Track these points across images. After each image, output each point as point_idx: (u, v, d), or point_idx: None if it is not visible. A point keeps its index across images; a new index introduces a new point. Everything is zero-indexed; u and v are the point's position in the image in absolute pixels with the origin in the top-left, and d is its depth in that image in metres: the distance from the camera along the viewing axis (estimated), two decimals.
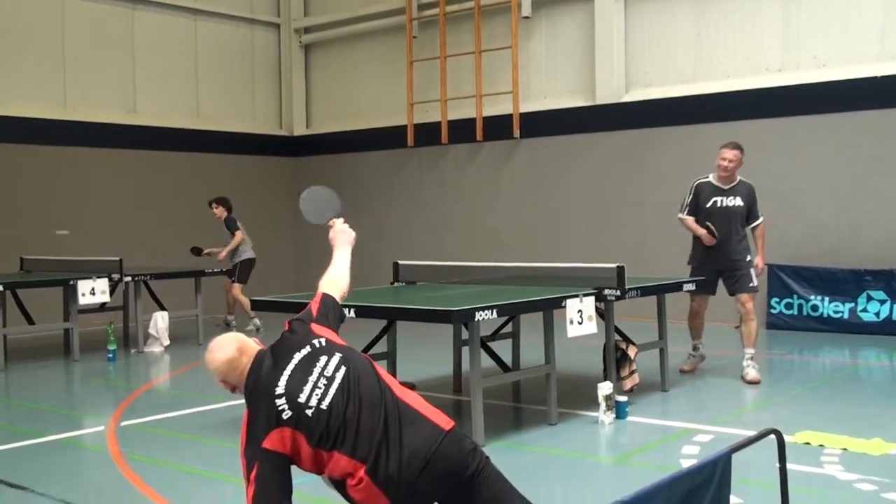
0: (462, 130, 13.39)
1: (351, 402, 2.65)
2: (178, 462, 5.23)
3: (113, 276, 9.59)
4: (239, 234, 11.31)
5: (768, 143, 10.76)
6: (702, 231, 7.25)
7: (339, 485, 2.62)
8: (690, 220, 7.36)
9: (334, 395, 2.67)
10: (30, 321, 9.91)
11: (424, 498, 2.57)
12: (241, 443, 2.68)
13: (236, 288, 11.37)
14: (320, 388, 2.68)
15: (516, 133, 12.90)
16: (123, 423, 6.26)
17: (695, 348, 7.81)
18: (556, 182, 12.63)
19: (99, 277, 9.35)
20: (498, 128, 13.05)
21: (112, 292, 9.65)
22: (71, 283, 9.28)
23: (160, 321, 9.97)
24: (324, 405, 2.65)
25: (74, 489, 4.75)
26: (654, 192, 11.71)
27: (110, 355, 9.20)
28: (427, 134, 13.78)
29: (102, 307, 10.25)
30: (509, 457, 3.61)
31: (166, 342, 9.98)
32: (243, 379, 2.76)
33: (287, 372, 2.70)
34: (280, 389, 2.66)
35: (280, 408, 2.64)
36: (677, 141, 11.53)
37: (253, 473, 2.60)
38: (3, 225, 11.85)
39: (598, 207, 12.21)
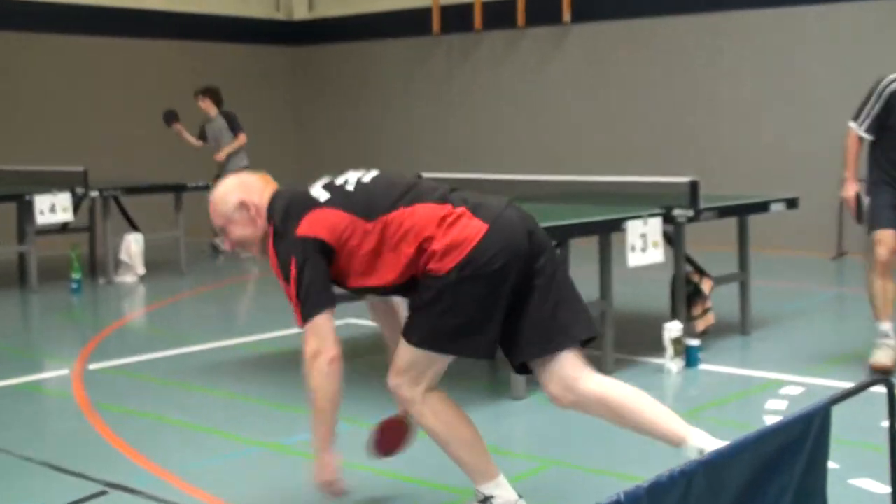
0: (499, 13, 13.22)
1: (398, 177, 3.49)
2: (155, 412, 5.34)
3: (76, 189, 9.65)
4: (243, 136, 11.30)
5: None
6: (850, 198, 5.81)
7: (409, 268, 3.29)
8: (850, 167, 5.80)
9: (375, 175, 3.47)
10: None
11: (515, 261, 3.24)
12: (271, 262, 3.31)
13: None
14: (358, 174, 3.48)
15: (566, 17, 12.70)
16: (91, 367, 6.36)
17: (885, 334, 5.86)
18: (615, 78, 12.47)
19: (60, 192, 9.41)
20: (543, 9, 12.86)
21: (76, 210, 9.73)
22: (26, 198, 9.34)
23: (133, 245, 10.06)
24: (366, 179, 3.44)
25: (36, 442, 4.83)
26: (734, 91, 11.54)
27: (74, 286, 9.32)
28: (456, 17, 13.62)
29: (64, 228, 10.34)
30: (556, 412, 3.62)
31: (141, 271, 10.08)
32: (264, 203, 3.46)
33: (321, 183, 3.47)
34: (315, 191, 3.42)
35: (316, 196, 3.38)
36: (768, 24, 11.31)
37: (293, 269, 3.24)
38: None
39: (668, 109, 12.08)
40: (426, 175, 7.30)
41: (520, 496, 3.51)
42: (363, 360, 6.34)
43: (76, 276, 9.33)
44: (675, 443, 3.19)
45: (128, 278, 9.99)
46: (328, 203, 3.35)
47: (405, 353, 3.36)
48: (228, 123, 11.36)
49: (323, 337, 3.27)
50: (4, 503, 4.00)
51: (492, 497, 3.45)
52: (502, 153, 13.23)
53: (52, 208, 9.36)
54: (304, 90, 15.47)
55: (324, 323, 3.28)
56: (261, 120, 14.53)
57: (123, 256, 10.05)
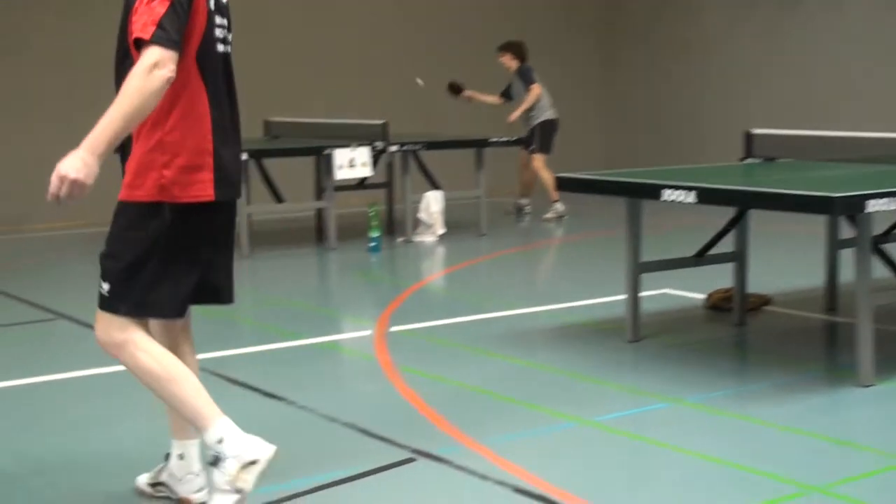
0: None
1: None
2: (460, 379, 5.51)
3: (376, 144, 10.05)
4: (537, 87, 11.45)
5: None
6: None
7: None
8: None
9: None
10: (278, 199, 10.70)
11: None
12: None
13: (538, 160, 11.56)
14: None
15: None
16: (393, 329, 6.65)
17: None
18: None
19: (360, 146, 9.84)
20: None
21: (375, 165, 10.15)
22: (325, 152, 9.82)
23: (433, 204, 10.38)
24: None
25: (340, 403, 5.11)
26: None
27: (373, 244, 9.73)
28: None
29: (362, 184, 10.84)
30: None
31: (440, 230, 10.40)
32: None
33: None
34: None
35: None
36: None
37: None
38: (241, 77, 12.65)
39: None
40: (757, 132, 7.10)
41: (158, 485, 3.74)
42: (679, 336, 6.26)
43: (374, 234, 9.71)
44: (199, 427, 3.45)
45: (427, 238, 10.33)
46: None
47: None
48: (521, 78, 11.47)
49: (166, 60, 3.27)
50: (311, 463, 4.24)
51: (223, 439, 3.41)
52: (847, 107, 12.59)
53: (352, 163, 9.80)
54: (615, 39, 15.38)
55: (171, 57, 3.29)
56: (566, 72, 14.57)
57: (423, 215, 10.39)
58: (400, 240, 10.38)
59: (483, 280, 8.75)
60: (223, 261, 3.70)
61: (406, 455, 4.28)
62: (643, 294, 6.15)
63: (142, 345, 3.47)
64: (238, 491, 3.40)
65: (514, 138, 11.23)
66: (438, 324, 6.80)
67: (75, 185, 3.17)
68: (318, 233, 10.86)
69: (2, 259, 8.85)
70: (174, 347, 3.68)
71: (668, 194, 5.43)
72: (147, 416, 4.66)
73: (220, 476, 3.40)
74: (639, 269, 6.05)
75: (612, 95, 15.44)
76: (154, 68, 3.24)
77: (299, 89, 13.10)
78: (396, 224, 10.90)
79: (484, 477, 4.02)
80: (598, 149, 15.23)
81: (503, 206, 12.25)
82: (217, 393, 5.14)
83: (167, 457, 3.82)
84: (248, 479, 3.40)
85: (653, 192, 5.60)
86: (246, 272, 9.08)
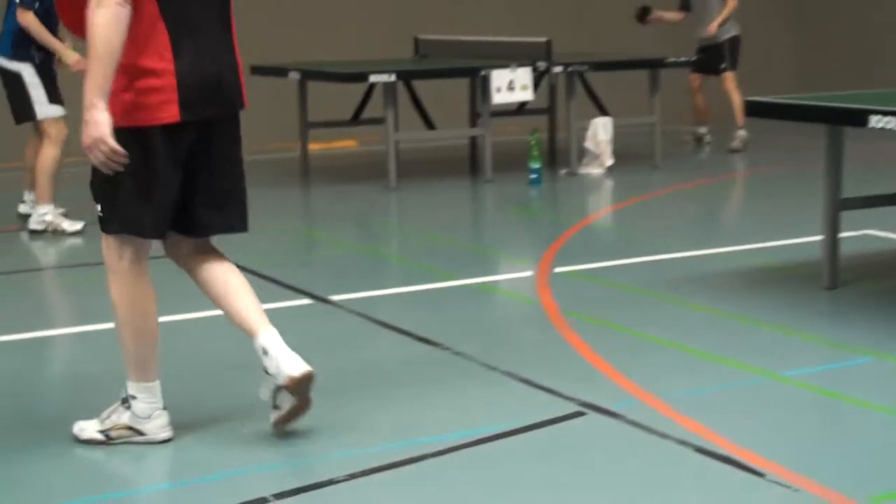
0: None
1: None
2: (630, 325, 5.50)
3: (538, 65, 9.99)
4: (734, 0, 11.21)
5: None
6: None
7: None
8: None
9: None
10: (429, 125, 10.78)
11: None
12: None
13: (729, 79, 11.32)
14: None
15: None
16: (557, 270, 6.67)
17: None
18: None
19: (519, 67, 9.79)
20: None
21: (536, 88, 10.09)
22: (482, 73, 9.83)
23: (601, 132, 10.29)
24: None
25: (500, 350, 5.16)
26: None
27: (533, 176, 9.71)
28: None
29: (521, 109, 10.81)
30: None
31: (608, 161, 10.32)
32: None
33: None
34: None
35: None
36: None
37: None
38: None
39: None
40: None
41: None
42: (882, 283, 6.12)
43: (535, 165, 9.69)
44: (129, 374, 3.99)
45: (593, 170, 10.27)
46: None
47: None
48: None
49: None
50: (470, 414, 4.32)
51: (134, 398, 3.97)
52: None
53: (510, 86, 9.77)
54: None
55: None
56: None
57: (589, 144, 10.32)
58: (563, 172, 10.34)
59: (657, 217, 8.67)
60: (219, 182, 4.05)
61: (574, 408, 4.30)
62: (843, 235, 6.02)
63: (124, 280, 3.95)
64: (108, 437, 4.01)
65: (692, 58, 11.04)
66: (607, 265, 6.78)
67: (100, 144, 3.66)
68: (472, 163, 10.92)
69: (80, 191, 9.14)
70: (201, 270, 4.12)
71: (876, 121, 5.29)
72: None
73: (113, 415, 4.02)
74: (838, 207, 5.91)
75: (805, 7, 14.99)
76: (99, 5, 3.63)
77: (453, 3, 13.09)
78: (559, 154, 10.87)
79: (663, 435, 4.01)
80: (787, 70, 14.84)
81: (679, 134, 12.07)
82: (366, 337, 5.41)
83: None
84: (121, 439, 4.01)
85: (858, 118, 5.45)
86: (393, 206, 9.22)
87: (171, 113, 3.82)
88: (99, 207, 3.93)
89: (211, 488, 3.70)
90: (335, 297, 6.03)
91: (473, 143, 11.02)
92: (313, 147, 10.87)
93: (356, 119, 10.92)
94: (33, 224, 7.94)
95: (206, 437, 4.09)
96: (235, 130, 4.08)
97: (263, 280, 6.35)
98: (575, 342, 5.22)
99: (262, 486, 3.62)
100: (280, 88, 10.98)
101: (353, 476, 3.68)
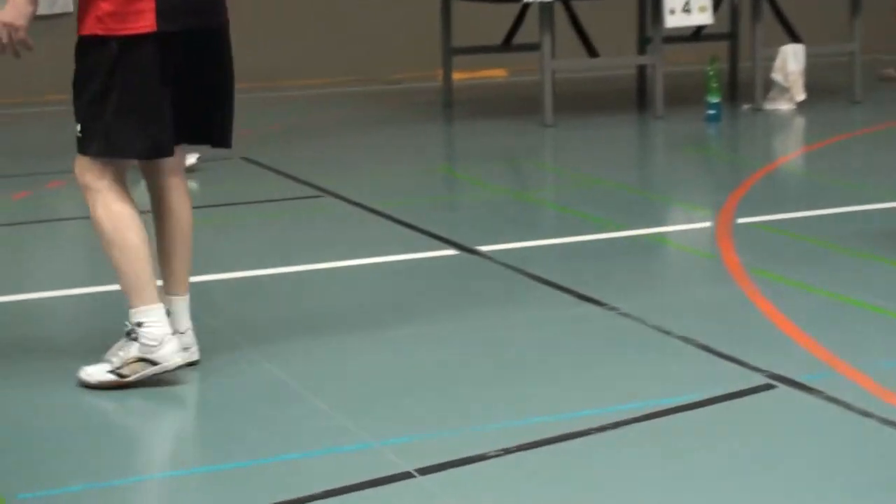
0: None
1: None
2: (829, 287, 5.38)
3: None
4: None
5: None
6: None
7: None
8: None
9: None
10: (591, 52, 10.68)
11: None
12: None
13: None
14: None
15: None
16: (740, 221, 6.58)
17: None
18: None
19: None
20: None
21: (715, 10, 9.97)
22: None
23: (791, 61, 10.10)
24: None
25: (674, 312, 5.09)
26: None
27: (711, 111, 9.60)
28: None
29: (698, 34, 10.70)
30: None
31: (800, 96, 10.14)
32: None
33: None
34: None
35: None
36: None
37: None
38: None
39: None
40: None
41: (178, 332, 4.22)
42: None
43: (713, 99, 9.59)
44: (130, 301, 4.18)
45: (781, 105, 10.11)
46: None
47: None
48: None
49: None
50: (642, 383, 4.28)
51: (141, 324, 4.13)
52: None
53: (686, 7, 9.66)
54: None
55: None
56: None
57: (777, 76, 10.14)
58: (746, 107, 10.22)
59: (857, 161, 8.54)
60: (203, 99, 4.30)
61: (762, 380, 4.23)
62: None
63: (106, 199, 4.16)
64: (120, 376, 4.16)
65: None
66: (799, 216, 6.70)
67: (9, 28, 3.93)
68: (639, 97, 10.85)
69: (252, 121, 9.26)
70: (164, 192, 4.35)
71: None
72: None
73: (120, 352, 4.17)
74: None
75: None
76: None
77: None
78: (742, 87, 10.75)
79: (864, 413, 3.91)
80: None
81: (883, 64, 11.81)
82: (519, 294, 5.40)
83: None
84: (136, 374, 4.15)
85: None
86: (548, 144, 9.20)
87: (147, 22, 4.04)
88: (79, 127, 4.14)
89: (348, 460, 3.71)
90: (483, 248, 6.03)
91: (642, 73, 10.93)
92: (458, 76, 10.88)
93: (507, 44, 10.87)
94: None
95: (341, 404, 4.12)
96: (222, 47, 4.32)
97: (400, 226, 6.48)
98: (761, 304, 5.14)
99: (404, 459, 3.62)
100: (421, 9, 10.98)
101: (506, 451, 3.65)
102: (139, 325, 4.16)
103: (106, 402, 4.18)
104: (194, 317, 4.44)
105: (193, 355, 4.36)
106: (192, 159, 7.94)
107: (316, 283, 5.70)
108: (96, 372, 4.20)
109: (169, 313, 4.27)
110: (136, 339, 4.16)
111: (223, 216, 7.05)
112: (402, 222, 6.49)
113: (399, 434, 3.85)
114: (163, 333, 4.17)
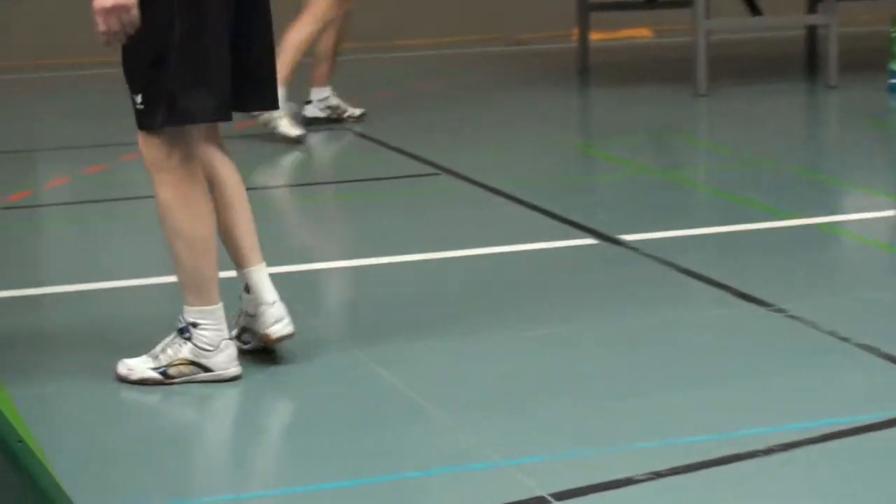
0: None
1: None
2: None
3: None
4: None
5: None
6: None
7: None
8: None
9: None
10: (753, 9, 10.71)
11: None
12: None
13: None
14: None
15: None
16: None
17: None
18: None
19: None
20: None
21: None
22: None
23: None
24: None
25: (852, 315, 5.02)
26: None
27: (895, 80, 9.47)
28: None
29: None
30: None
31: None
32: None
33: None
34: None
35: None
36: None
37: None
38: None
39: None
40: None
41: (264, 304, 4.37)
42: None
43: None
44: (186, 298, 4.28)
45: None
46: None
47: None
48: None
49: None
50: (819, 397, 4.21)
51: (197, 325, 4.22)
52: None
53: None
54: None
55: None
56: None
57: None
58: None
59: None
60: (257, 55, 4.39)
61: None
62: None
63: (175, 180, 4.18)
64: (165, 375, 4.25)
65: None
66: None
67: (123, 11, 3.91)
68: (809, 62, 10.76)
69: (362, 87, 9.29)
70: (208, 164, 4.38)
71: None
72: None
73: (168, 349, 4.26)
74: None
75: None
76: None
77: None
78: None
79: None
80: None
81: None
82: (670, 291, 5.35)
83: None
84: (182, 377, 4.25)
85: None
86: (702, 117, 9.14)
87: None
88: (139, 98, 4.13)
89: (472, 481, 3.69)
90: (626, 237, 6.00)
91: (812, 35, 10.79)
92: (595, 36, 10.87)
93: (653, 0, 10.78)
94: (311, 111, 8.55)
95: (464, 415, 4.10)
96: (268, 3, 4.44)
97: (529, 210, 6.50)
98: None
99: (537, 481, 3.57)
100: None
101: (657, 475, 3.60)
102: (194, 325, 4.24)
103: (188, 410, 4.26)
104: (292, 312, 4.47)
105: (287, 327, 4.42)
106: (299, 130, 8.08)
107: (433, 275, 5.72)
108: (138, 367, 4.28)
109: (248, 289, 4.41)
110: (188, 340, 4.25)
111: (325, 197, 7.20)
112: (532, 205, 6.50)
113: (531, 452, 3.81)
114: (220, 338, 4.25)
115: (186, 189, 4.20)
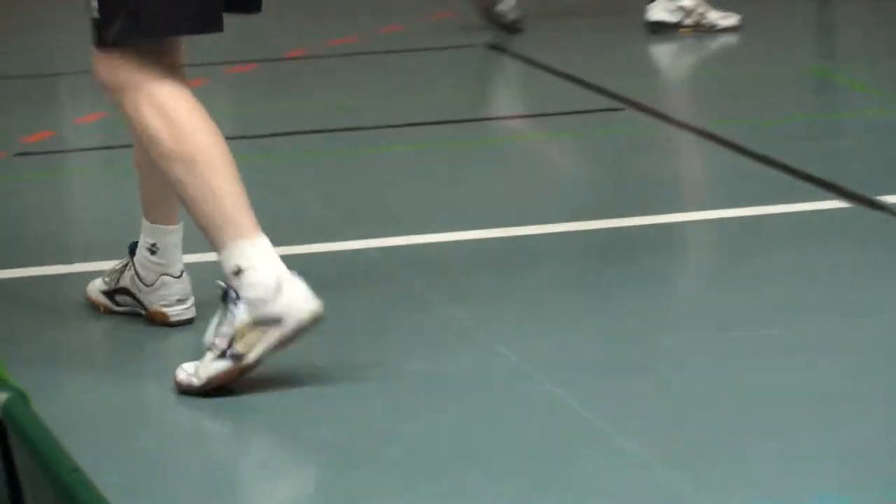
0: None
1: None
2: None
3: None
4: None
5: None
6: None
7: None
8: None
9: None
10: None
11: None
12: None
13: None
14: None
15: None
16: None
17: None
18: None
19: None
20: None
21: None
22: None
23: None
24: None
25: None
26: None
27: None
28: None
29: None
30: None
31: None
32: None
33: None
34: None
35: None
36: None
37: None
38: None
39: None
40: None
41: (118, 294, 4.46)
42: None
43: None
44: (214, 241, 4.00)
45: None
46: None
47: None
48: None
49: None
50: None
51: (241, 270, 3.85)
52: None
53: None
54: None
55: None
56: None
57: None
58: None
59: None
60: None
61: None
62: None
63: (152, 92, 3.97)
64: (235, 357, 3.84)
65: None
66: None
67: None
68: None
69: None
70: None
71: None
72: None
73: (222, 328, 3.88)
74: None
75: None
76: None
77: None
78: None
79: None
80: None
81: None
82: None
83: (132, 248, 4.41)
84: (258, 348, 3.84)
85: None
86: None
87: None
88: (95, 5, 4.00)
89: None
90: (888, 198, 5.56)
91: None
92: None
93: None
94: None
95: (668, 450, 3.59)
96: None
97: (748, 159, 6.24)
98: None
99: None
100: None
101: None
102: (238, 272, 3.89)
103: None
104: (419, 297, 4.39)
105: (189, 311, 4.42)
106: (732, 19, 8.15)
107: (614, 247, 5.37)
108: (202, 367, 3.95)
109: (154, 250, 4.39)
110: (238, 299, 3.89)
111: (457, 140, 6.87)
112: (752, 153, 6.18)
113: (753, 498, 3.42)
114: (276, 275, 3.90)
115: (171, 99, 4.03)
